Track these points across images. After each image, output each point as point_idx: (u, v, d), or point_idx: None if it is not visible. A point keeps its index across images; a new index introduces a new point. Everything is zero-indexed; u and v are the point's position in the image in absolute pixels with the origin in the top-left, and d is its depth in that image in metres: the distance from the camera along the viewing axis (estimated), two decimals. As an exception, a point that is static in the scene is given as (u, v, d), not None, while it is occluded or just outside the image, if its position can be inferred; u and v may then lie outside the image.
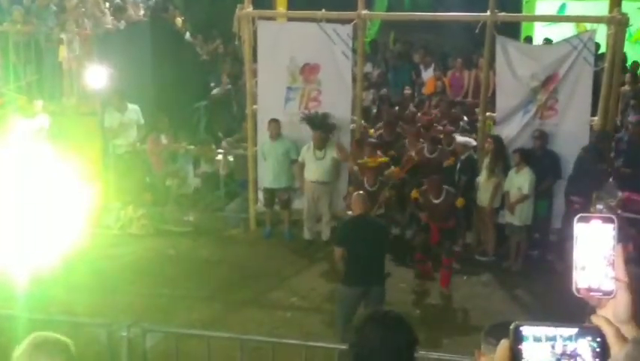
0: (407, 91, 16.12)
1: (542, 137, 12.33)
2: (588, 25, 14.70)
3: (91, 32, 14.65)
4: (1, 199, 11.98)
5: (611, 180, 12.40)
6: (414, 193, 11.69)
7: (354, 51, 13.23)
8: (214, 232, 13.66)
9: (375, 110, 14.95)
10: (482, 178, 12.40)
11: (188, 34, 17.92)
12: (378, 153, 12.52)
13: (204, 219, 14.10)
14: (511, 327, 1.56)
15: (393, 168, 12.56)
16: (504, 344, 1.56)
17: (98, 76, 13.78)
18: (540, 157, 12.26)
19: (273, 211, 13.47)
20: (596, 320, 1.57)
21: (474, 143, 13.19)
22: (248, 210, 13.83)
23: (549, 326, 1.55)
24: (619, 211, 11.32)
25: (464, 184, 12.51)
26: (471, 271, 12.10)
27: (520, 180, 12.07)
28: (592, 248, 1.61)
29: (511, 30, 15.41)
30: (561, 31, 16.57)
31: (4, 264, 10.40)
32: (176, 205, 14.44)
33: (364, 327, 3.73)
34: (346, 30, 12.89)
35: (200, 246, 13.04)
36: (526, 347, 1.54)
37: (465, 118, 15.00)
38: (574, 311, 1.87)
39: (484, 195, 12.39)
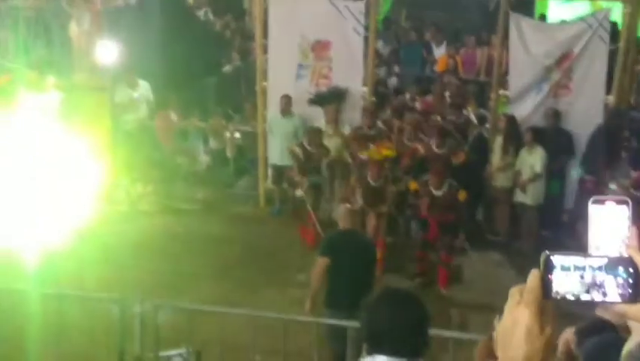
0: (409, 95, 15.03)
1: (556, 115, 12.25)
2: (604, 4, 14.56)
3: (101, 7, 14.54)
4: (12, 175, 11.97)
5: (624, 159, 12.35)
6: (412, 185, 11.16)
7: (365, 28, 13.12)
8: (223, 210, 13.61)
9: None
10: (495, 157, 12.32)
11: (201, 11, 17.82)
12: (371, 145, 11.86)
13: (213, 196, 14.05)
14: (542, 256, 1.61)
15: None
16: (535, 273, 1.60)
17: (107, 52, 13.71)
18: (553, 136, 12.18)
19: (281, 188, 13.39)
20: (628, 250, 1.58)
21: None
22: (257, 187, 13.77)
23: (579, 255, 1.60)
24: (632, 191, 11.27)
25: (474, 163, 12.39)
26: (482, 251, 12.07)
27: (532, 159, 12.00)
28: (606, 229, 1.63)
29: (525, 8, 15.29)
30: (576, 10, 16.44)
31: (16, 240, 10.39)
32: (185, 182, 14.39)
33: (376, 305, 3.75)
34: (358, 7, 12.80)
35: (208, 223, 12.98)
36: (555, 276, 1.59)
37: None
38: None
39: (497, 175, 12.31)
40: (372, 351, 3.56)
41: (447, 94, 14.19)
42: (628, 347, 1.62)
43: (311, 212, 12.02)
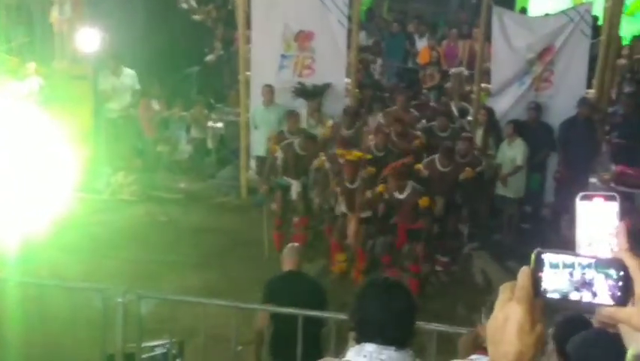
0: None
1: (537, 109, 12.32)
2: (584, -3, 14.62)
3: (83, -5, 14.46)
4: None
5: (605, 153, 12.45)
6: (380, 188, 10.37)
7: (349, 19, 13.12)
8: (205, 199, 13.60)
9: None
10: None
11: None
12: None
13: (195, 186, 14.04)
14: (533, 254, 1.59)
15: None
16: (525, 270, 1.59)
17: (89, 39, 13.64)
18: (534, 129, 12.25)
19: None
20: (619, 252, 1.57)
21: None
22: (239, 177, 13.76)
23: (570, 254, 1.58)
24: (612, 185, 11.36)
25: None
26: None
27: (513, 152, 12.04)
28: (595, 226, 1.61)
29: (506, 1, 15.34)
30: (556, 4, 16.51)
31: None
32: (167, 172, 14.37)
33: (366, 294, 3.74)
34: (342, -2, 12.80)
35: (190, 213, 12.97)
36: (544, 274, 1.58)
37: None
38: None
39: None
40: (361, 340, 3.56)
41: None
42: (633, 351, 1.58)
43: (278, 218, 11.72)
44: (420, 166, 10.91)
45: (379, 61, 16.19)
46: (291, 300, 6.90)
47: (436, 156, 10.96)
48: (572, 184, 11.50)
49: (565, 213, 11.75)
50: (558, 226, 11.89)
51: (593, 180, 11.80)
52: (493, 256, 11.65)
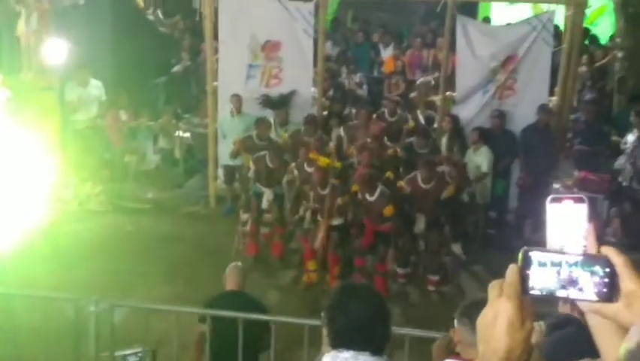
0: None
1: (501, 116, 12.49)
2: (545, 7, 14.83)
3: (49, 7, 14.42)
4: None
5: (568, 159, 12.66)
6: (354, 187, 10.56)
7: (315, 29, 13.22)
8: (173, 209, 13.60)
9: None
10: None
11: (150, 11, 17.76)
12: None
13: (164, 196, 14.04)
14: (521, 252, 1.63)
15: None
16: (513, 268, 1.62)
17: (56, 51, 13.61)
18: (498, 137, 12.41)
19: (233, 188, 13.43)
20: (604, 250, 1.62)
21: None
22: (208, 187, 13.80)
23: (557, 252, 1.62)
24: (576, 190, 11.55)
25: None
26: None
27: (478, 159, 12.19)
28: (566, 228, 1.65)
29: (469, 10, 15.51)
30: (518, 13, 16.71)
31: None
32: (135, 182, 14.37)
33: (339, 300, 3.70)
34: (308, 7, 12.90)
35: (159, 223, 12.98)
36: (532, 272, 1.61)
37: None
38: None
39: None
40: (336, 346, 3.56)
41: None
42: (627, 346, 1.57)
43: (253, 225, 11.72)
44: (402, 183, 10.76)
45: (359, 75, 16.14)
46: (229, 320, 6.77)
47: (418, 173, 10.76)
48: (534, 190, 11.73)
49: (528, 218, 11.97)
50: (521, 231, 12.09)
51: (556, 185, 11.99)
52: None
